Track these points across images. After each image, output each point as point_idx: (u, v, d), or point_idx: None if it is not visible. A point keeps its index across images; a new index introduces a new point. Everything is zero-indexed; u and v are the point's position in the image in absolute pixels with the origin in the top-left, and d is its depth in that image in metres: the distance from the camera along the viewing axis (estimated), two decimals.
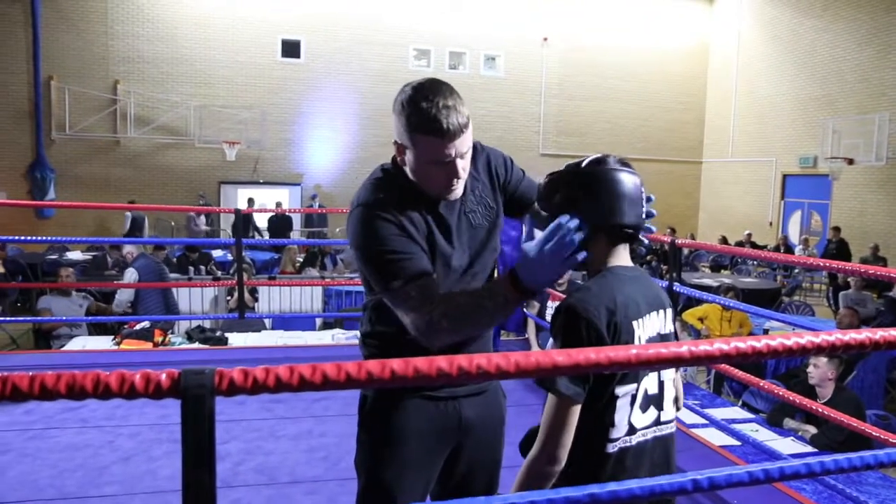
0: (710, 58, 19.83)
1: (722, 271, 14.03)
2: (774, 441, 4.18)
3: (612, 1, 18.79)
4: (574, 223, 1.47)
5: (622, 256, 1.58)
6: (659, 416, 1.56)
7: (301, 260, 10.43)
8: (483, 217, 1.76)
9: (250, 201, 15.48)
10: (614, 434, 1.48)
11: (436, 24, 17.52)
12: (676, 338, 1.66)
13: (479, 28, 17.82)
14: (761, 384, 3.69)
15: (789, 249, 15.14)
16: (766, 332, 7.29)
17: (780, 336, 1.13)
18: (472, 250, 1.74)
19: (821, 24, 16.19)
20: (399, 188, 1.66)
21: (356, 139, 17.24)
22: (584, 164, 1.55)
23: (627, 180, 1.52)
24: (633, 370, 1.47)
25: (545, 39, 18.40)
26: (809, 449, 4.22)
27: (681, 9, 19.49)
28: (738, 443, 3.86)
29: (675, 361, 1.14)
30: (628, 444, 1.50)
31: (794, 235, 16.71)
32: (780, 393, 3.56)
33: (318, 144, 17.23)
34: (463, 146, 1.61)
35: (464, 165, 1.64)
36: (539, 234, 1.52)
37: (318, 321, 7.47)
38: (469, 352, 1.56)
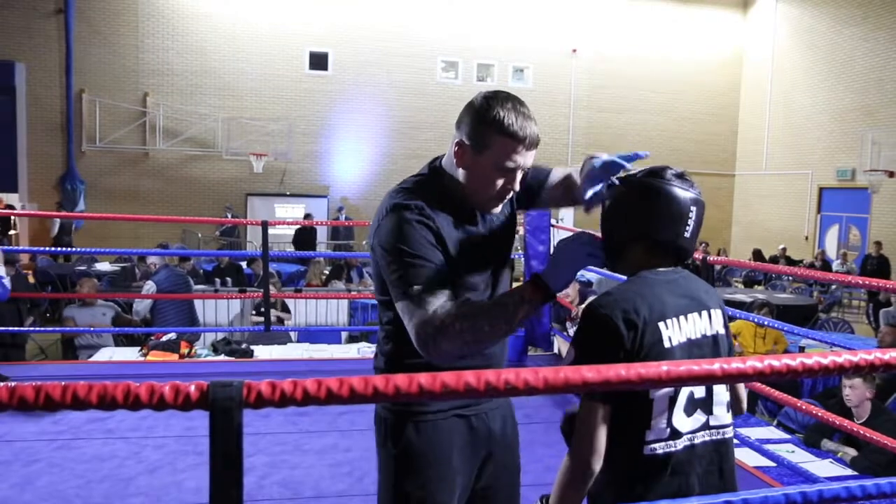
0: (743, 68, 19.60)
1: (756, 286, 13.77)
2: (811, 463, 4.06)
3: (642, 11, 18.68)
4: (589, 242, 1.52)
5: (660, 264, 1.58)
6: (708, 421, 1.53)
7: (327, 273, 10.47)
8: (501, 231, 1.80)
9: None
10: (651, 436, 1.46)
11: (464, 35, 17.56)
12: (728, 339, 1.62)
13: (507, 40, 17.82)
14: (798, 404, 3.59)
15: (826, 264, 14.86)
16: (802, 349, 7.16)
17: (817, 354, 1.10)
18: (492, 256, 1.77)
19: (860, 33, 15.92)
20: (441, 192, 1.67)
21: (383, 151, 17.33)
22: (638, 174, 1.57)
23: (671, 197, 1.52)
24: (664, 387, 1.44)
25: (574, 51, 18.35)
26: (849, 472, 4.08)
27: (714, 18, 19.31)
28: (773, 464, 3.75)
29: (708, 379, 1.12)
30: (672, 449, 1.48)
31: (831, 250, 16.37)
32: (818, 413, 3.47)
33: (344, 157, 17.33)
34: (529, 162, 1.65)
35: (518, 184, 1.67)
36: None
37: (344, 334, 7.48)
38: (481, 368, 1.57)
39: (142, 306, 6.62)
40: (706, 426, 1.53)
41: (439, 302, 1.51)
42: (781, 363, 1.08)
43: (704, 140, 19.47)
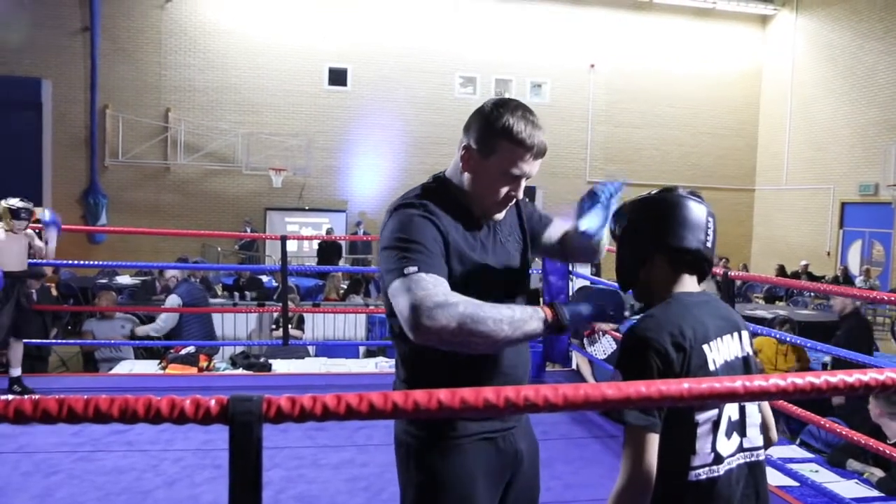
0: (763, 82, 19.46)
1: (777, 302, 13.62)
2: (836, 483, 3.96)
3: (660, 25, 18.66)
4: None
5: (688, 283, 1.57)
6: (742, 443, 1.51)
7: (345, 287, 10.49)
8: (514, 249, 1.78)
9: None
10: (696, 462, 1.44)
11: (481, 51, 17.64)
12: (756, 360, 1.60)
13: (525, 55, 17.87)
14: (822, 422, 3.52)
15: (849, 280, 14.68)
16: (824, 367, 7.05)
17: (842, 372, 1.08)
18: (503, 275, 1.73)
19: (882, 47, 15.78)
20: (447, 200, 1.66)
21: (401, 166, 17.38)
22: (652, 193, 1.61)
23: (688, 207, 1.54)
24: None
25: (592, 66, 18.35)
26: (875, 493, 3.96)
27: (732, 33, 19.23)
28: (797, 484, 3.66)
29: (729, 397, 1.10)
30: (716, 474, 1.46)
31: (854, 266, 16.16)
32: (843, 432, 3.39)
33: (363, 172, 17.42)
34: (534, 169, 1.64)
35: (521, 192, 1.68)
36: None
37: (362, 349, 7.48)
38: (504, 382, 1.53)
39: (168, 322, 6.62)
40: (741, 448, 1.51)
41: (440, 285, 1.47)
42: (805, 381, 1.06)
43: (723, 155, 19.36)
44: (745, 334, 1.59)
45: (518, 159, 1.60)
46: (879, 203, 15.69)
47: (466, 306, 1.42)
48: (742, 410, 1.51)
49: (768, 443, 1.66)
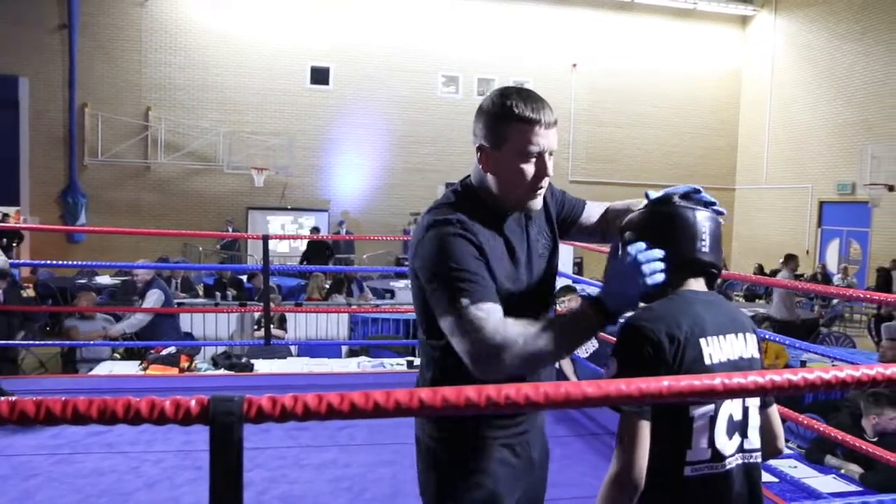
0: (743, 83, 19.67)
1: (756, 300, 13.76)
2: (815, 479, 4.02)
3: (642, 26, 18.78)
4: (653, 253, 1.46)
5: (692, 284, 1.59)
6: (742, 444, 1.52)
7: (328, 286, 10.46)
8: (545, 247, 1.77)
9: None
10: (692, 457, 1.46)
11: (464, 50, 17.65)
12: (762, 365, 1.61)
13: (507, 54, 17.89)
14: (800, 419, 3.56)
15: (827, 278, 14.85)
16: (803, 364, 7.13)
17: (819, 369, 1.09)
18: (537, 276, 1.73)
19: (859, 48, 16.02)
20: (477, 206, 1.64)
21: (384, 166, 17.35)
22: (646, 204, 1.62)
23: (681, 217, 1.55)
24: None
25: (574, 65, 18.43)
26: (853, 488, 4.01)
27: (713, 34, 19.41)
28: (776, 479, 3.72)
29: (709, 394, 1.11)
30: (714, 471, 1.48)
31: (832, 264, 16.39)
32: (822, 429, 3.43)
33: (345, 171, 17.37)
34: (552, 142, 1.62)
35: (551, 167, 1.63)
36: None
37: (344, 348, 7.46)
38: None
39: (142, 317, 6.55)
40: (741, 449, 1.53)
41: (494, 319, 1.48)
42: (783, 378, 1.07)
43: (704, 154, 19.52)
44: (751, 336, 1.59)
45: (530, 135, 1.57)
46: (856, 202, 15.90)
47: (525, 345, 1.45)
48: (745, 412, 1.52)
49: (776, 452, 1.68)
